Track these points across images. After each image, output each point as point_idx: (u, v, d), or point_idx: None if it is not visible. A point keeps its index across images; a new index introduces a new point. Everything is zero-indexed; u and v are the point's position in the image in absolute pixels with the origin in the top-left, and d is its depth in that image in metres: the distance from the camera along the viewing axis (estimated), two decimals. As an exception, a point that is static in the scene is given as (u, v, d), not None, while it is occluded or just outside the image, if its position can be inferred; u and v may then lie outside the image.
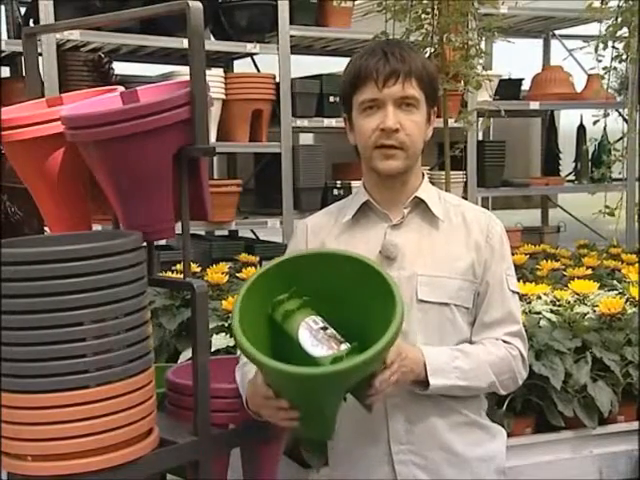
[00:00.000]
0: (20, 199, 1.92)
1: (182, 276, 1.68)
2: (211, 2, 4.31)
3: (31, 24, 4.02)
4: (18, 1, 4.35)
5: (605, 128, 4.21)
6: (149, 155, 1.54)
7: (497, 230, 1.72)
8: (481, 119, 3.94)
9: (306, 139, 5.91)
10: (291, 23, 4.41)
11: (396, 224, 1.69)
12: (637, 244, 4.49)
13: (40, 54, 2.52)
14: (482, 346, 1.67)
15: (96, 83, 3.80)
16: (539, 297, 3.12)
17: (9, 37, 4.33)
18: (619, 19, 3.42)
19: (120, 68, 4.25)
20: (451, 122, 3.87)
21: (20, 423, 1.40)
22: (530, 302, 3.07)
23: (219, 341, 2.68)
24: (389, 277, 1.51)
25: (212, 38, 4.60)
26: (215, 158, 5.49)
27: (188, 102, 1.54)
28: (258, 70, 5.22)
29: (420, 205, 1.70)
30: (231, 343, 2.67)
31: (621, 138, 3.71)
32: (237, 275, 3.40)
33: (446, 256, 1.67)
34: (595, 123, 3.79)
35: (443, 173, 3.89)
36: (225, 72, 4.58)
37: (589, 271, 3.55)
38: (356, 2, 4.93)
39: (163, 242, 4.34)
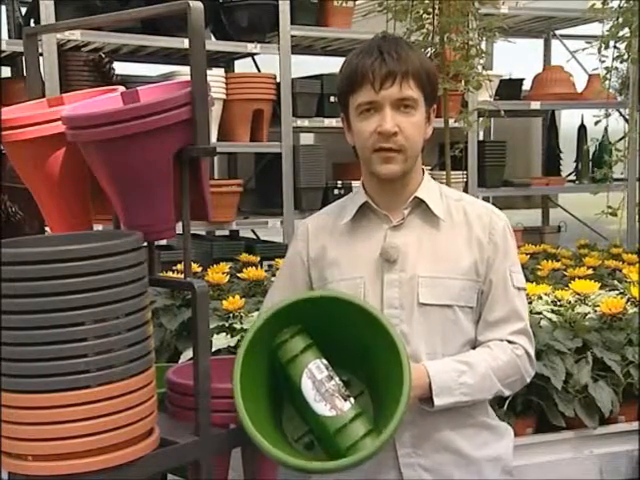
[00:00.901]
0: (21, 199, 1.92)
1: (183, 276, 1.68)
2: (212, 2, 4.31)
3: (32, 24, 4.03)
4: (19, 1, 4.35)
5: (606, 128, 4.21)
6: (150, 155, 1.54)
7: (500, 225, 1.69)
8: (481, 119, 3.94)
9: (307, 139, 5.91)
10: (292, 23, 4.42)
11: (396, 225, 1.67)
12: (637, 244, 4.48)
13: (41, 54, 2.51)
14: (488, 350, 1.64)
15: (97, 83, 3.80)
16: (540, 297, 3.12)
17: (10, 37, 4.33)
18: (620, 19, 3.42)
19: (121, 68, 4.25)
20: (452, 122, 3.87)
21: (21, 423, 1.40)
22: (531, 302, 3.07)
23: (220, 341, 2.68)
24: (395, 334, 1.48)
25: (213, 38, 4.61)
26: (216, 158, 5.49)
27: (189, 102, 1.54)
28: (259, 70, 5.23)
29: (420, 205, 1.68)
30: (232, 343, 2.68)
31: (622, 138, 3.71)
32: (238, 275, 3.40)
33: (448, 256, 1.64)
34: (597, 123, 3.80)
35: (444, 173, 3.89)
36: (226, 72, 4.59)
37: (590, 271, 3.55)
38: (357, 2, 4.93)
39: (164, 242, 4.34)
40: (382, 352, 1.50)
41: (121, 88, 1.78)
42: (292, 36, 4.43)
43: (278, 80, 4.46)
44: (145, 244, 1.55)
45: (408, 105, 1.59)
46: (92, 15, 2.06)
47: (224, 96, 4.30)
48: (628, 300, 3.13)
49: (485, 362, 1.62)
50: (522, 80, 5.67)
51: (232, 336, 2.72)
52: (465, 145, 4.40)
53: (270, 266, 3.90)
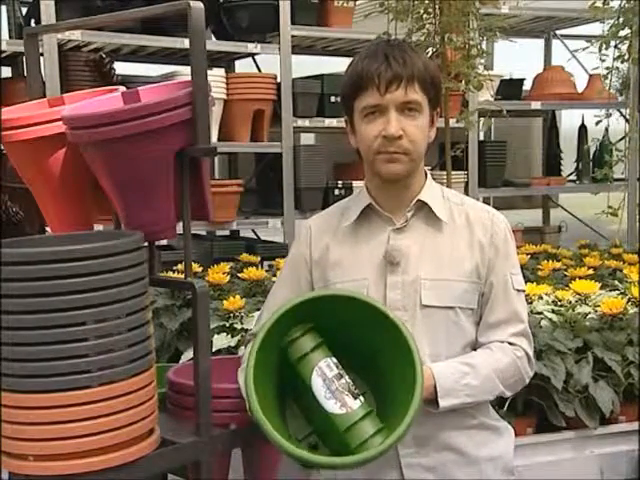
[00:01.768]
0: (21, 199, 1.92)
1: (183, 276, 1.69)
2: (212, 2, 4.31)
3: (32, 24, 4.03)
4: (19, 1, 4.35)
5: (607, 128, 4.21)
6: (150, 155, 1.54)
7: (501, 228, 1.70)
8: (482, 119, 3.94)
9: (307, 139, 5.92)
10: (292, 23, 4.41)
11: (399, 228, 1.67)
12: (638, 244, 4.48)
13: (41, 54, 2.51)
14: (489, 352, 1.66)
15: (97, 83, 3.80)
16: (540, 297, 3.12)
17: (10, 37, 4.33)
18: (620, 19, 3.42)
19: (121, 68, 4.25)
20: (452, 122, 3.87)
21: (22, 423, 1.40)
22: (531, 302, 3.07)
23: (220, 341, 2.68)
24: (408, 333, 1.48)
25: (213, 38, 4.60)
26: (216, 158, 5.50)
27: (189, 102, 1.54)
28: (259, 70, 5.23)
29: (423, 208, 1.68)
30: (232, 343, 2.68)
31: (623, 138, 3.71)
32: (238, 275, 3.40)
33: (450, 259, 1.66)
34: (598, 124, 3.80)
35: (444, 173, 3.89)
36: (226, 72, 4.58)
37: (590, 271, 3.55)
38: (357, 2, 4.93)
39: (164, 242, 4.34)
40: (390, 352, 1.50)
41: (122, 88, 1.78)
42: (292, 36, 4.43)
43: (279, 80, 4.46)
44: (145, 244, 1.56)
45: (413, 109, 1.60)
46: (93, 15, 2.06)
47: (225, 96, 4.31)
48: (629, 300, 3.13)
49: (487, 364, 1.63)
50: (523, 80, 5.67)
51: (232, 336, 2.72)
52: (466, 145, 4.40)
53: (271, 266, 3.91)
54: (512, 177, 5.48)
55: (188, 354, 2.62)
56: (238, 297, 2.91)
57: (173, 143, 1.55)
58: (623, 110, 4.95)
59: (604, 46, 3.43)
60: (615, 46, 3.48)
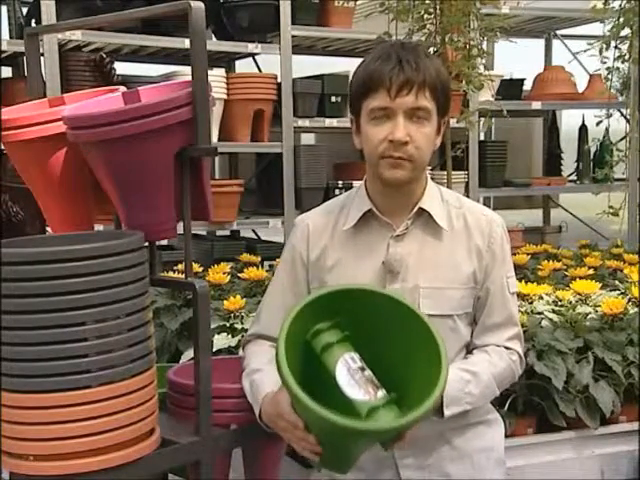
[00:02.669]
0: (22, 199, 1.92)
1: (184, 276, 1.68)
2: (213, 2, 4.31)
3: (33, 24, 4.02)
4: (20, 1, 4.35)
5: (607, 128, 4.21)
6: (151, 155, 1.54)
7: (498, 233, 1.70)
8: (483, 119, 3.94)
9: (307, 139, 5.91)
10: (293, 23, 4.41)
11: (399, 235, 1.67)
12: (638, 244, 4.48)
13: (42, 54, 2.51)
14: (487, 357, 1.67)
15: (98, 83, 3.80)
16: (541, 297, 3.12)
17: (11, 37, 4.33)
18: (621, 19, 3.42)
19: (122, 68, 4.25)
20: (453, 122, 3.86)
21: (22, 423, 1.40)
22: (532, 302, 3.07)
23: (220, 341, 2.68)
24: (436, 331, 1.48)
25: (214, 38, 4.60)
26: (217, 158, 5.49)
27: (190, 102, 1.54)
28: (260, 70, 5.23)
29: (423, 214, 1.68)
30: (233, 343, 2.68)
31: (623, 138, 3.70)
32: (239, 275, 3.40)
33: (448, 266, 1.66)
34: (598, 124, 3.79)
35: (445, 173, 3.89)
36: (227, 72, 4.59)
37: (591, 271, 3.55)
38: (358, 2, 4.93)
39: (165, 242, 4.34)
40: (412, 350, 1.50)
41: (122, 88, 1.78)
42: (293, 36, 4.42)
43: (279, 80, 4.46)
44: (146, 244, 1.56)
45: (421, 116, 1.58)
46: (93, 15, 2.06)
47: (225, 96, 4.30)
48: (629, 300, 3.13)
49: (487, 370, 1.65)
50: (523, 80, 5.67)
51: (233, 336, 2.72)
52: (466, 145, 4.39)
53: (271, 266, 3.90)
54: (512, 177, 5.47)
55: (188, 354, 2.62)
56: (238, 297, 2.91)
57: (173, 143, 1.55)
58: (624, 110, 4.94)
59: (604, 47, 3.43)
60: (615, 46, 3.48)
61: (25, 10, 4.33)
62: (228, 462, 1.80)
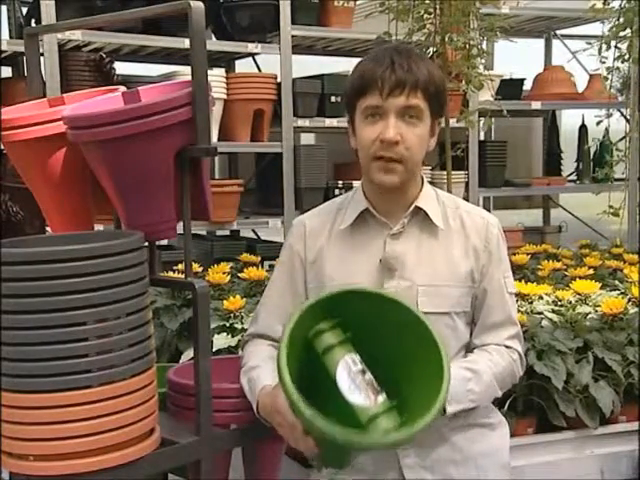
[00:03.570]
0: (22, 199, 1.92)
1: (184, 276, 1.69)
2: (213, 2, 4.31)
3: (33, 24, 4.02)
4: (20, 1, 4.35)
5: (607, 128, 4.21)
6: (151, 155, 1.54)
7: (494, 233, 1.71)
8: (483, 119, 3.94)
9: (307, 139, 5.91)
10: (293, 23, 4.41)
11: (395, 233, 1.68)
12: (638, 244, 4.48)
13: (42, 54, 2.51)
14: (489, 356, 1.68)
15: (98, 83, 3.80)
16: (541, 297, 3.12)
17: (11, 37, 4.33)
18: (621, 19, 3.42)
19: (122, 68, 4.25)
20: (453, 122, 3.87)
21: (22, 423, 1.40)
22: (532, 302, 3.07)
23: (220, 341, 2.68)
24: (438, 336, 1.49)
25: (213, 38, 4.60)
26: (216, 158, 5.49)
27: (189, 102, 1.54)
28: (259, 70, 5.22)
29: (420, 213, 1.69)
30: (232, 343, 2.67)
31: (623, 138, 3.71)
32: (238, 275, 3.40)
33: (445, 265, 1.67)
34: (598, 124, 3.79)
35: (444, 173, 3.89)
36: (226, 72, 4.58)
37: (591, 271, 3.55)
38: (358, 2, 4.93)
39: (165, 242, 4.34)
40: (413, 353, 1.50)
41: (122, 88, 1.78)
42: (293, 36, 4.42)
43: (279, 80, 4.46)
44: (146, 244, 1.56)
45: (413, 115, 1.60)
46: (93, 15, 2.06)
47: (225, 96, 4.30)
48: (629, 300, 3.12)
49: (489, 369, 1.66)
50: (523, 80, 5.66)
51: (233, 336, 2.72)
52: (466, 145, 4.40)
53: (271, 266, 3.90)
54: (512, 177, 5.47)
55: (188, 354, 2.62)
56: (238, 297, 2.91)
57: (173, 143, 1.55)
58: (623, 110, 4.94)
59: (604, 47, 3.43)
60: (615, 46, 3.48)
61: (25, 10, 4.33)
62: (228, 462, 1.80)
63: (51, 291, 1.36)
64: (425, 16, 3.62)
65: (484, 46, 3.84)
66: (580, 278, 3.35)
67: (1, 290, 1.36)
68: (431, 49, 3.68)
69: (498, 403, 2.64)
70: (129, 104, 1.67)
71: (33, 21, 4.08)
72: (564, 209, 6.48)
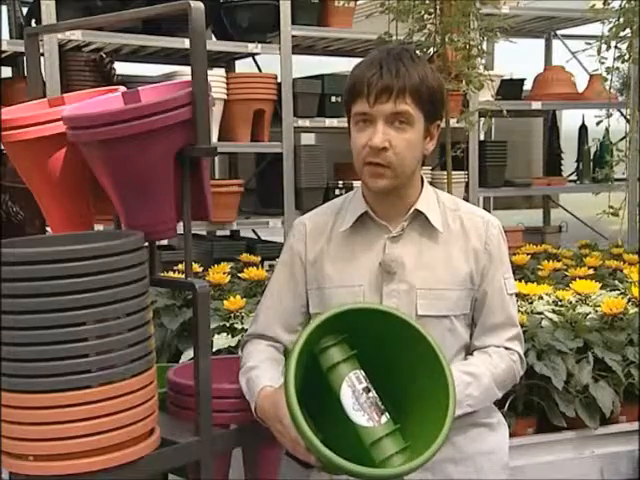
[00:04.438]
0: (22, 199, 1.92)
1: (184, 276, 1.69)
2: (213, 2, 4.30)
3: (33, 24, 4.02)
4: (20, 1, 4.35)
5: (607, 128, 4.21)
6: (151, 155, 1.54)
7: (495, 234, 1.71)
8: (483, 119, 3.94)
9: (308, 139, 5.91)
10: (293, 23, 4.41)
11: (395, 236, 1.68)
12: (638, 244, 4.48)
13: (42, 54, 2.51)
14: (488, 359, 1.68)
15: (98, 83, 3.80)
16: (541, 297, 3.12)
17: (11, 37, 4.33)
18: (621, 19, 3.42)
19: (122, 68, 4.25)
20: (453, 122, 3.87)
21: (22, 423, 1.40)
22: (532, 302, 3.07)
23: (221, 341, 2.68)
24: (443, 356, 1.49)
25: (214, 38, 4.60)
26: (216, 158, 5.49)
27: (189, 102, 1.54)
28: (260, 70, 5.22)
29: (419, 216, 1.69)
30: (232, 343, 2.67)
31: (623, 138, 3.71)
32: (239, 275, 3.40)
33: (445, 267, 1.67)
34: (598, 124, 3.79)
35: (445, 173, 3.89)
36: (227, 72, 4.58)
37: (591, 271, 3.55)
38: (358, 2, 4.93)
39: (165, 242, 4.34)
40: (418, 371, 1.51)
41: (122, 88, 1.78)
42: (293, 36, 4.42)
43: (279, 80, 4.46)
44: (146, 244, 1.56)
45: (403, 121, 1.59)
46: (93, 15, 2.06)
47: (225, 96, 4.30)
48: (629, 300, 3.12)
49: (488, 372, 1.66)
50: (523, 80, 5.66)
51: (233, 336, 2.72)
52: (466, 145, 4.39)
53: (271, 266, 3.90)
54: (513, 177, 5.47)
55: (188, 354, 2.62)
56: (238, 297, 2.91)
57: (173, 143, 1.55)
58: (624, 110, 4.94)
59: (604, 47, 3.43)
60: (615, 46, 3.48)
61: (25, 10, 4.33)
62: (228, 462, 1.80)
63: (51, 291, 1.36)
64: (425, 16, 3.62)
65: (484, 46, 3.84)
66: (580, 278, 3.35)
67: (1, 290, 1.36)
68: (431, 49, 3.68)
69: (498, 403, 2.64)
70: (129, 104, 1.67)
71: (33, 21, 4.08)
72: (564, 209, 6.48)
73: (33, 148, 1.64)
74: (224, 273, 3.25)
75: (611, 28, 3.44)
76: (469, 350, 1.72)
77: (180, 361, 2.64)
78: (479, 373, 1.64)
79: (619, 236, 4.46)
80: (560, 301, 3.10)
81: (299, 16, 4.46)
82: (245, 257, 3.87)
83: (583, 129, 6.03)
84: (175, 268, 3.42)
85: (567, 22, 5.96)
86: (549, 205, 6.61)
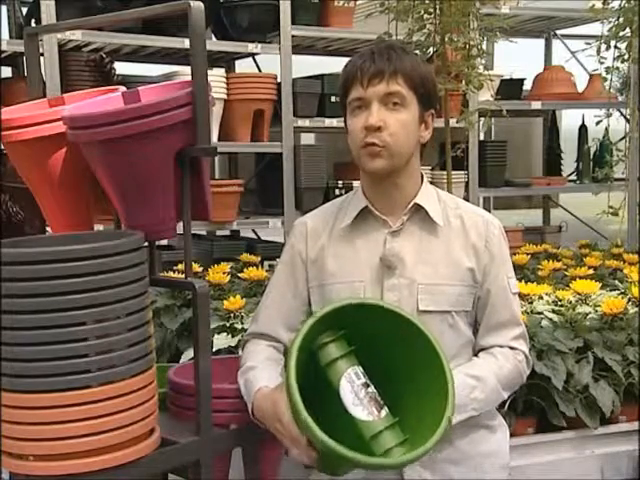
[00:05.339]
0: (22, 199, 1.92)
1: (184, 276, 1.69)
2: (213, 2, 4.31)
3: (33, 24, 4.02)
4: (20, 1, 4.35)
5: (607, 128, 4.21)
6: (151, 155, 1.54)
7: (495, 233, 1.71)
8: (482, 119, 3.94)
9: (307, 139, 5.91)
10: (293, 23, 4.41)
11: (395, 231, 1.68)
12: (638, 244, 4.48)
13: (42, 54, 2.51)
14: (494, 360, 1.68)
15: (98, 83, 3.80)
16: (541, 297, 3.12)
17: (11, 37, 4.33)
18: (621, 19, 3.42)
19: (121, 68, 4.25)
20: (453, 122, 3.87)
21: (22, 423, 1.40)
22: (532, 302, 3.07)
23: (221, 341, 2.68)
24: (443, 353, 1.50)
25: (213, 38, 4.60)
26: (216, 158, 5.49)
27: (189, 102, 1.54)
28: (260, 70, 5.23)
29: (419, 211, 1.69)
30: (232, 343, 2.68)
31: (623, 138, 3.71)
32: (238, 275, 3.40)
33: (446, 263, 1.67)
34: (598, 124, 3.79)
35: (445, 173, 3.89)
36: (227, 72, 4.58)
37: (591, 271, 3.55)
38: (358, 2, 4.93)
39: (164, 242, 4.34)
40: (417, 367, 1.51)
41: (122, 88, 1.78)
42: (293, 36, 4.42)
43: (279, 80, 4.46)
44: (146, 244, 1.56)
45: (396, 102, 1.62)
46: (93, 15, 2.06)
47: (225, 96, 4.30)
48: (629, 300, 3.12)
49: (493, 374, 1.66)
50: (523, 80, 5.66)
51: (233, 336, 2.72)
52: (466, 145, 4.39)
53: (271, 266, 3.90)
54: (512, 177, 5.47)
55: (188, 354, 2.62)
56: (238, 297, 2.91)
57: (173, 143, 1.55)
58: (623, 110, 4.94)
59: (603, 47, 3.43)
60: (615, 46, 3.48)
61: (25, 10, 4.33)
62: (228, 462, 1.80)
63: (51, 291, 1.36)
64: (425, 16, 3.62)
65: (484, 46, 3.84)
66: (580, 278, 3.35)
67: (1, 290, 1.36)
68: (431, 49, 3.68)
69: (498, 403, 2.65)
70: (129, 104, 1.67)
71: (33, 21, 4.08)
72: (564, 209, 6.48)
73: (33, 148, 1.64)
74: (224, 273, 3.25)
75: (611, 28, 3.44)
76: (474, 351, 1.72)
77: (180, 361, 2.64)
78: (484, 376, 1.64)
79: (619, 236, 4.46)
80: (560, 301, 3.10)
81: (299, 16, 4.46)
82: (245, 257, 3.87)
83: (583, 129, 6.03)
84: (175, 268, 3.42)
85: (567, 22, 5.97)
86: (549, 205, 6.61)
